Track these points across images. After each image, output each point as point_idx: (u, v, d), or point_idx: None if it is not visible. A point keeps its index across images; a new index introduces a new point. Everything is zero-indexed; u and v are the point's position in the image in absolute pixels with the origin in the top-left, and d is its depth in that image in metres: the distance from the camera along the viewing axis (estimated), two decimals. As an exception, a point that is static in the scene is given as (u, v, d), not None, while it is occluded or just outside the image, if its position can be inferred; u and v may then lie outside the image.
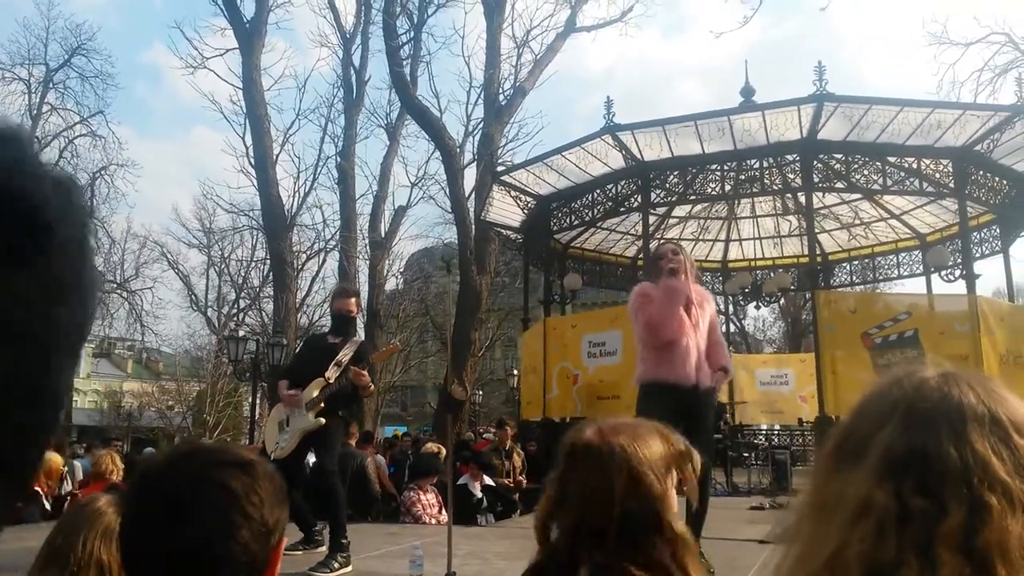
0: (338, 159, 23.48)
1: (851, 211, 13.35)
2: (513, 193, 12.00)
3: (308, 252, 26.10)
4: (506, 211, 12.55)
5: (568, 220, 11.96)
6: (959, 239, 11.16)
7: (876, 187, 10.30)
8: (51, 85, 28.08)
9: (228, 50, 22.63)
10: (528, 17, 43.38)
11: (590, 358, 10.71)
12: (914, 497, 0.66)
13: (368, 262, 23.15)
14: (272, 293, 23.68)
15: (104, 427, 29.34)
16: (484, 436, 12.77)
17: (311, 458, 5.49)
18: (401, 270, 29.09)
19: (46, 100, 28.08)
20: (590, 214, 11.68)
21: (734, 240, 15.12)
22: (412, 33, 20.68)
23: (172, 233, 45.08)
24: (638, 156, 10.37)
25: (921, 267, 13.49)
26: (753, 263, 15.28)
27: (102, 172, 28.08)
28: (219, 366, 26.45)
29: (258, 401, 18.57)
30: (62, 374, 0.44)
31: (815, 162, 10.06)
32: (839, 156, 10.10)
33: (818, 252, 13.38)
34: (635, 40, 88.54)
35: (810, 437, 12.19)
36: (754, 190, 10.80)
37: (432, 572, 4.11)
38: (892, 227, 13.58)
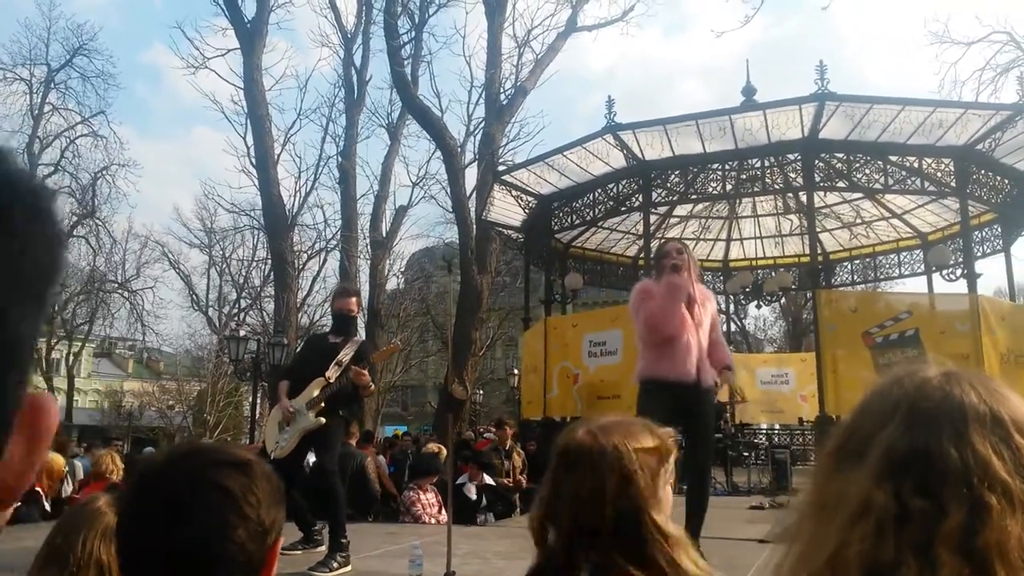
0: (339, 159, 23.49)
1: (852, 210, 13.34)
2: (514, 192, 12.00)
3: (309, 252, 26.14)
4: (507, 210, 12.56)
5: (569, 219, 11.96)
6: (960, 238, 11.15)
7: (877, 186, 10.30)
8: (52, 85, 28.17)
9: (229, 50, 22.67)
10: (529, 16, 43.37)
11: (591, 357, 10.71)
12: (914, 497, 0.65)
13: (369, 262, 23.16)
14: (273, 293, 23.69)
15: (104, 427, 29.31)
16: (485, 435, 12.75)
17: (311, 458, 5.49)
18: (402, 269, 29.12)
19: (48, 100, 28.19)
20: (591, 213, 11.69)
21: (735, 239, 15.12)
22: (413, 33, 20.70)
23: (173, 233, 45.15)
24: (639, 155, 10.37)
25: (922, 266, 13.48)
26: (754, 262, 15.27)
27: (103, 172, 28.19)
28: (220, 366, 26.45)
29: (259, 401, 18.58)
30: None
31: (816, 161, 10.06)
32: (840, 155, 10.10)
33: (819, 251, 13.37)
34: (636, 40, 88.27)
35: (810, 436, 12.18)
36: (755, 189, 10.80)
37: (432, 571, 4.11)
38: (893, 226, 13.58)
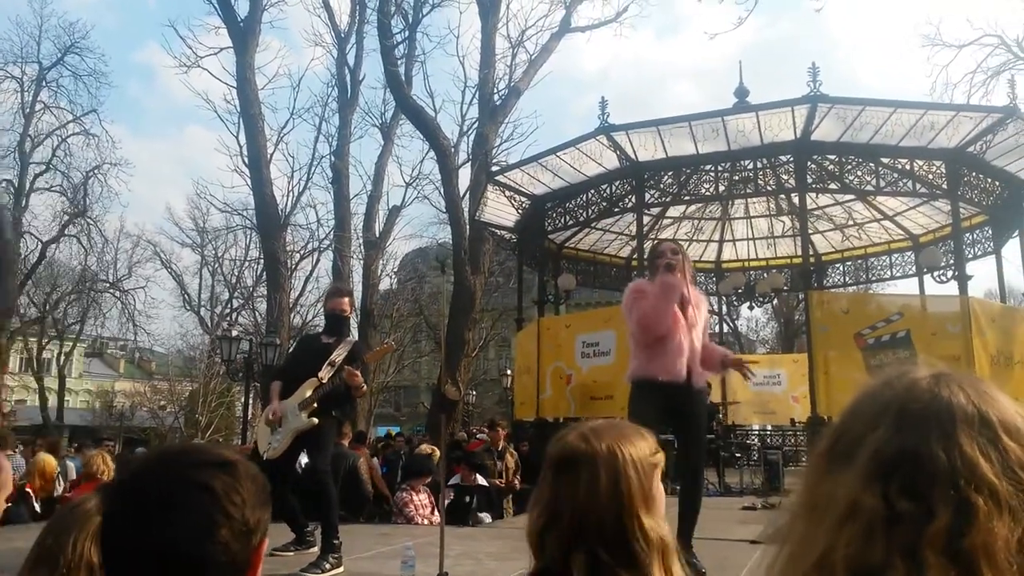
0: (332, 158, 23.44)
1: (844, 212, 13.39)
2: (507, 193, 12.00)
3: (302, 252, 26.13)
4: (500, 211, 12.55)
5: (562, 220, 11.96)
6: (951, 240, 11.21)
7: (869, 188, 10.34)
8: (44, 83, 28.07)
9: (222, 49, 22.58)
10: (523, 17, 43.47)
11: (584, 358, 10.72)
12: (902, 499, 0.65)
13: (362, 262, 23.16)
14: (265, 293, 23.61)
15: (96, 427, 29.20)
16: (478, 436, 12.74)
17: (304, 458, 5.48)
18: (395, 270, 29.13)
19: (39, 98, 28.08)
20: (584, 214, 11.70)
21: (728, 241, 15.15)
22: (407, 32, 20.66)
23: (165, 232, 45.09)
24: (632, 156, 10.39)
25: (914, 268, 13.53)
26: (747, 263, 15.32)
27: (95, 171, 28.10)
28: (212, 366, 26.41)
29: (251, 401, 18.54)
30: None
31: (809, 163, 10.09)
32: (832, 157, 10.13)
33: (811, 253, 13.41)
34: (629, 41, 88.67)
35: (802, 437, 12.21)
36: (748, 191, 10.83)
37: (424, 573, 4.10)
38: (885, 228, 13.63)
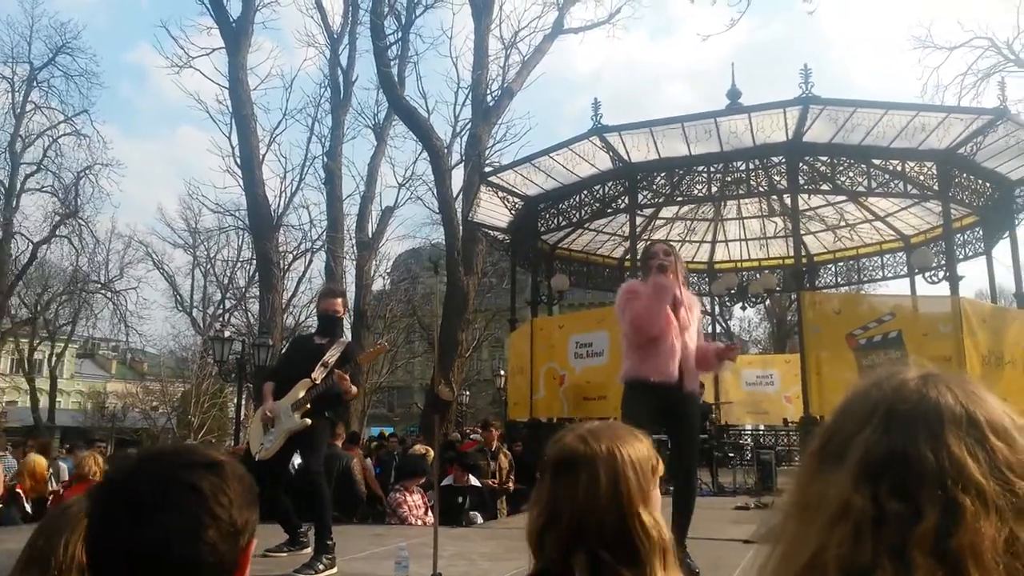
0: (325, 159, 23.39)
1: (836, 213, 13.44)
2: (500, 194, 12.00)
3: (295, 252, 26.03)
4: (493, 212, 12.55)
5: (555, 221, 11.97)
6: (943, 241, 11.26)
7: (861, 189, 10.37)
8: (35, 83, 27.95)
9: (214, 49, 22.53)
10: (516, 18, 43.47)
11: (577, 359, 10.72)
12: (890, 500, 0.65)
13: (355, 262, 23.09)
14: (258, 293, 23.57)
15: (88, 428, 29.10)
16: (471, 437, 12.74)
17: (297, 459, 5.47)
18: (388, 270, 29.05)
19: (30, 98, 27.96)
20: (577, 215, 11.70)
21: (720, 241, 15.19)
22: (400, 33, 20.65)
23: (157, 233, 44.91)
24: (625, 157, 10.40)
25: (905, 268, 13.60)
26: (739, 264, 15.35)
27: (87, 171, 27.99)
28: (204, 367, 26.32)
29: (243, 402, 18.48)
30: None
31: (801, 164, 10.12)
32: (824, 158, 10.16)
33: (803, 253, 13.46)
34: (622, 42, 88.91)
35: (795, 437, 12.25)
36: (740, 192, 10.86)
37: (418, 573, 4.10)
38: (877, 229, 13.69)
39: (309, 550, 5.01)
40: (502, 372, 23.96)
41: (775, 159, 10.20)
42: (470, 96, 20.78)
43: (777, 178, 10.30)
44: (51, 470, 9.31)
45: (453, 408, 19.76)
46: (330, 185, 22.91)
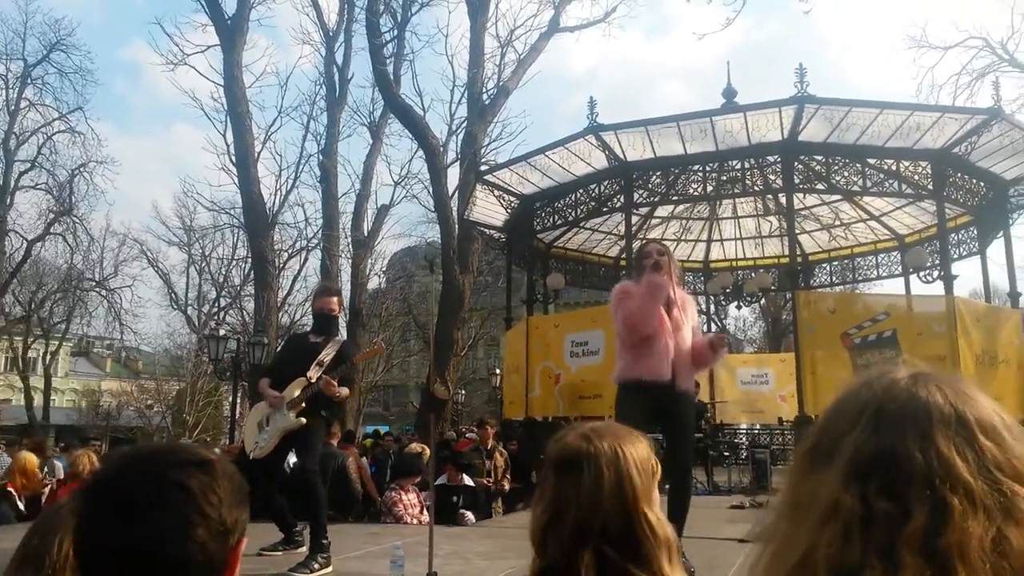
0: (320, 157, 23.34)
1: (831, 212, 13.46)
2: (496, 192, 12.00)
3: (290, 251, 26.02)
4: (489, 210, 12.54)
5: (551, 220, 11.97)
6: (937, 240, 11.28)
7: (856, 188, 10.40)
8: (29, 81, 27.88)
9: (209, 47, 22.41)
10: (512, 17, 43.26)
11: (572, 357, 10.73)
12: (879, 500, 0.66)
13: (351, 261, 23.07)
14: (253, 292, 23.52)
15: (82, 426, 29.01)
16: (467, 435, 12.73)
17: (292, 458, 5.46)
18: (384, 269, 29.04)
19: (24, 96, 27.87)
20: (573, 214, 11.71)
21: (716, 240, 15.21)
22: (396, 31, 20.59)
23: (152, 231, 44.88)
24: (621, 156, 10.41)
25: (900, 268, 13.62)
26: (734, 263, 15.37)
27: (81, 169, 27.91)
28: (199, 365, 26.30)
29: (238, 400, 18.46)
30: None
31: (796, 163, 10.14)
32: (819, 157, 10.18)
33: (798, 253, 13.47)
34: (618, 41, 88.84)
35: (790, 436, 12.28)
36: (735, 191, 10.86)
37: (413, 572, 4.10)
38: (871, 228, 13.72)
39: (304, 549, 5.00)
40: (498, 371, 23.99)
41: (770, 158, 10.22)
42: (466, 94, 20.77)
43: (772, 177, 10.32)
44: (46, 468, 9.28)
45: (449, 407, 19.77)
46: (325, 183, 22.87)
